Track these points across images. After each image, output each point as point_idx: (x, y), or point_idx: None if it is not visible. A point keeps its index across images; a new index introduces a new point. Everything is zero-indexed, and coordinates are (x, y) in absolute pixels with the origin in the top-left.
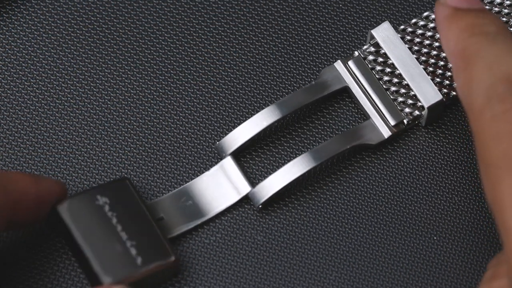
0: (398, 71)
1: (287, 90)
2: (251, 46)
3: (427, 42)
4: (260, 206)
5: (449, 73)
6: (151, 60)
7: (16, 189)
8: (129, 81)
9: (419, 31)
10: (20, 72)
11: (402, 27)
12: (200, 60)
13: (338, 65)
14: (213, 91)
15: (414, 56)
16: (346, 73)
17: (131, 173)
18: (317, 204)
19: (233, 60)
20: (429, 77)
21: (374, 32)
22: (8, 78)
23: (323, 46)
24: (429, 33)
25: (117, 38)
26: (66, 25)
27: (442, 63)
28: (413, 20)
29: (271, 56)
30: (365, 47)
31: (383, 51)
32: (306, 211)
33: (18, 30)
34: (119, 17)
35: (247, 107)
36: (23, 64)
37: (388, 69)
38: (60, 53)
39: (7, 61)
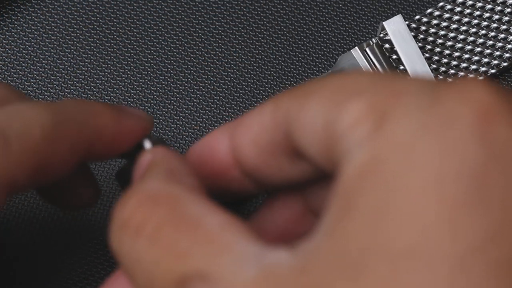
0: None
1: (304, 79)
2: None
3: (440, 34)
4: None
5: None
6: (152, 59)
7: (95, 124)
8: (130, 80)
9: (432, 23)
10: (20, 72)
11: (417, 17)
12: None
13: (355, 52)
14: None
15: (424, 54)
16: (363, 60)
17: None
18: None
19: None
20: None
21: (385, 24)
22: (8, 78)
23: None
24: (443, 25)
25: (117, 38)
26: (66, 25)
27: (454, 63)
28: (428, 11)
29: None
30: (381, 34)
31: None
32: None
33: (18, 30)
34: (119, 17)
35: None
36: (23, 64)
37: None
38: (60, 53)
39: (7, 61)
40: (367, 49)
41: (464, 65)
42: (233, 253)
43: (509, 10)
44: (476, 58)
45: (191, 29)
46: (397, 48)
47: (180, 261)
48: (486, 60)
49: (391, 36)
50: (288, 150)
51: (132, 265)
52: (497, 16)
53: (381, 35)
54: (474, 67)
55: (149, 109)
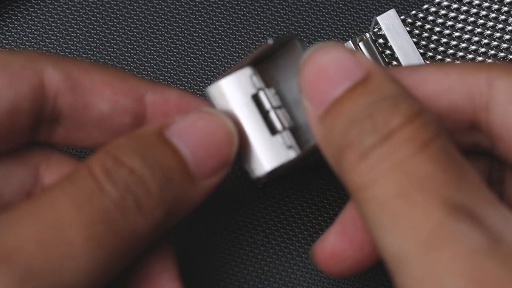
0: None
1: None
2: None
3: (435, 30)
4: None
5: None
6: (152, 59)
7: None
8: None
9: (428, 19)
10: None
11: (413, 12)
12: (199, 59)
13: (348, 45)
14: None
15: (418, 48)
16: None
17: None
18: (320, 204)
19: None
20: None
21: (379, 18)
22: None
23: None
24: (439, 21)
25: (117, 38)
26: (66, 25)
27: (448, 60)
28: (424, 6)
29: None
30: (375, 29)
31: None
32: (309, 210)
33: (18, 30)
34: (119, 17)
35: None
36: None
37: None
38: (60, 53)
39: None
40: (361, 44)
41: (458, 63)
42: (500, 212)
43: (505, 9)
44: (470, 56)
45: (191, 29)
46: (391, 42)
47: (454, 188)
48: (480, 58)
49: (385, 31)
50: (465, 120)
51: (395, 172)
52: (493, 15)
53: (375, 29)
54: None
55: None
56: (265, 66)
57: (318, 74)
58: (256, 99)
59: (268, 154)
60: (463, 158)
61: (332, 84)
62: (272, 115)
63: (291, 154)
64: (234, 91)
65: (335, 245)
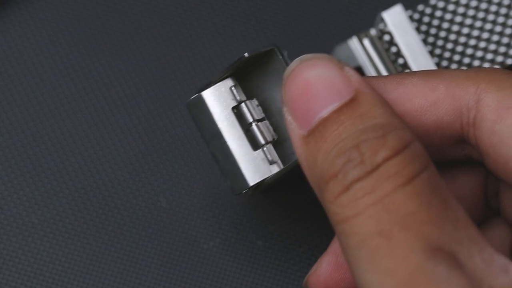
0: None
1: None
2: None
3: (443, 26)
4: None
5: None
6: (149, 57)
7: None
8: (129, 76)
9: (436, 15)
10: (19, 73)
11: (420, 8)
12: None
13: (353, 42)
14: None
15: (425, 45)
16: (360, 51)
17: (133, 172)
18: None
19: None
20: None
21: (385, 14)
22: (8, 78)
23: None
24: (447, 17)
25: (117, 39)
26: (65, 26)
27: (456, 58)
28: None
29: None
30: (381, 25)
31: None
32: (309, 213)
33: (18, 31)
34: (119, 17)
35: None
36: (23, 65)
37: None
38: (60, 53)
39: (6, 61)
40: (365, 40)
41: (467, 61)
42: (485, 253)
43: None
44: (480, 54)
45: (189, 28)
46: (397, 39)
47: (436, 228)
48: (490, 56)
49: (390, 27)
50: (454, 135)
51: (382, 212)
52: (504, 11)
53: (381, 26)
54: (477, 63)
55: (149, 107)
56: (249, 75)
57: (304, 90)
58: (238, 111)
59: (250, 169)
60: (449, 193)
61: (319, 103)
62: (254, 129)
63: (274, 170)
64: (214, 104)
65: (328, 276)
